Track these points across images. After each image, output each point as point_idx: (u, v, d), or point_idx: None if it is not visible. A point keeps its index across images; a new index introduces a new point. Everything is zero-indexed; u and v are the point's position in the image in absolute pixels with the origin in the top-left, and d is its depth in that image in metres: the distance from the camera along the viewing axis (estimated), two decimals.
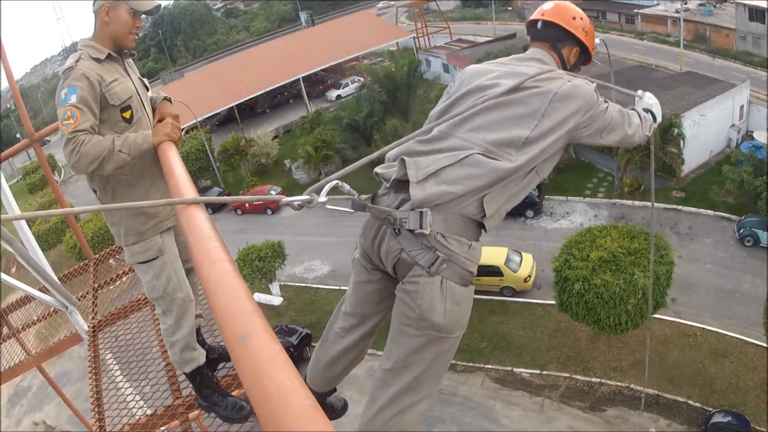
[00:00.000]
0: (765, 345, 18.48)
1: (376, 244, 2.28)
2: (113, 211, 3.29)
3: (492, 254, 22.69)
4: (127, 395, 4.92)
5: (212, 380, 3.73)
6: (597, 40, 2.72)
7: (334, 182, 1.92)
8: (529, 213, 27.89)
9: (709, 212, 25.96)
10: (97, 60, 2.94)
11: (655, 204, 26.26)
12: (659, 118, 2.84)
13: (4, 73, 5.57)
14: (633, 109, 2.68)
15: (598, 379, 19.50)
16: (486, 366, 21.01)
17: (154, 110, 3.24)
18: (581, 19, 2.62)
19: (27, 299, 7.09)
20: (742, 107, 30.14)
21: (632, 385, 18.94)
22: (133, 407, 4.77)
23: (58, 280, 5.25)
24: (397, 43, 50.55)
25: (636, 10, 49.24)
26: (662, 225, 25.06)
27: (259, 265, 24.32)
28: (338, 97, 47.63)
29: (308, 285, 27.22)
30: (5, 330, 7.04)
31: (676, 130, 25.48)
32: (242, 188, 37.83)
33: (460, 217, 2.15)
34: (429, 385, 2.26)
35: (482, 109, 2.26)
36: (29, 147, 5.81)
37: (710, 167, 28.73)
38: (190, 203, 1.84)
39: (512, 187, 2.23)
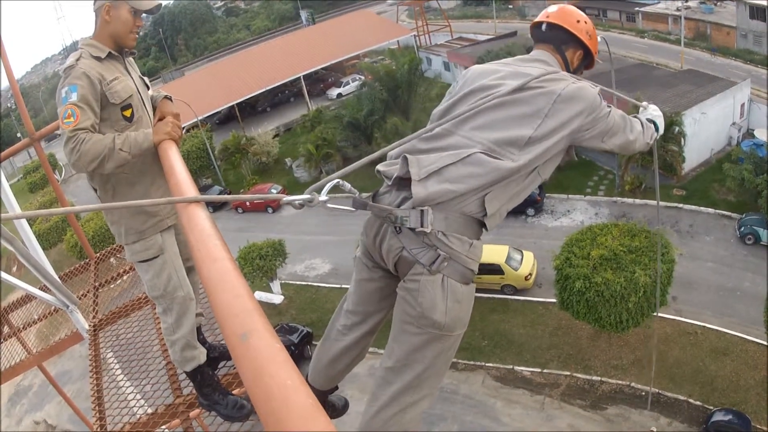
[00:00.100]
0: (766, 343, 18.45)
1: (378, 242, 2.28)
2: (113, 209, 3.29)
3: (493, 252, 22.68)
4: (128, 394, 4.92)
5: (213, 379, 3.74)
6: (598, 38, 2.74)
7: (335, 181, 1.92)
8: (530, 211, 27.87)
9: (710, 210, 25.94)
10: (98, 59, 2.94)
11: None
12: (661, 130, 2.87)
13: (5, 72, 5.57)
14: (636, 117, 2.70)
15: (599, 378, 19.49)
16: (487, 364, 21.01)
17: (154, 109, 3.24)
18: (585, 22, 2.65)
19: (28, 298, 7.10)
20: (743, 105, 30.10)
21: (633, 384, 18.93)
22: (134, 406, 4.77)
23: (58, 279, 5.25)
24: (397, 41, 50.49)
25: (637, 8, 49.22)
26: (663, 223, 25.04)
27: (259, 264, 24.33)
28: (339, 95, 47.58)
29: (309, 283, 27.22)
30: (6, 329, 7.05)
31: (677, 128, 25.44)
32: (243, 187, 37.82)
33: (462, 216, 2.15)
34: (430, 383, 2.27)
35: (486, 108, 2.27)
36: (30, 146, 5.81)
37: (711, 165, 28.70)
38: (191, 202, 1.84)
39: (513, 187, 2.24)
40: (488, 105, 2.26)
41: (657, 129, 2.83)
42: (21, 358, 6.39)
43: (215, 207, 33.73)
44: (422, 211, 2.09)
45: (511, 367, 20.76)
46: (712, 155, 29.30)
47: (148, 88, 3.34)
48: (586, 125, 2.31)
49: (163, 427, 4.26)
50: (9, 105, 70.02)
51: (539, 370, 20.38)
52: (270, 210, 34.72)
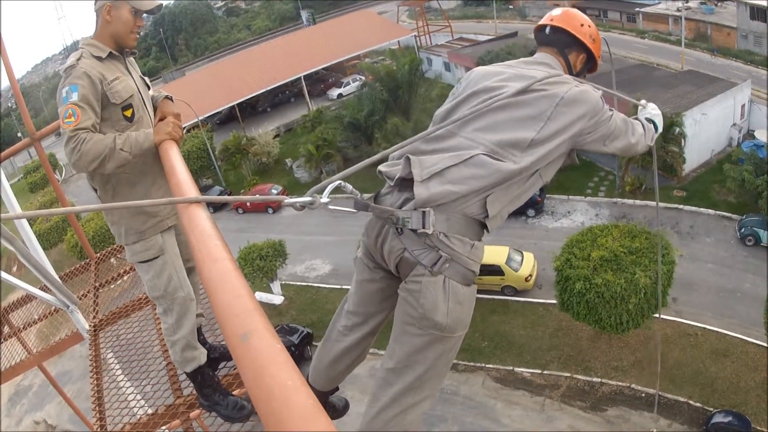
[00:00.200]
0: (766, 345, 18.45)
1: (379, 243, 2.29)
2: (114, 210, 3.29)
3: (493, 253, 22.68)
4: (128, 394, 4.92)
5: (213, 379, 3.74)
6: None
7: (337, 183, 1.92)
8: (531, 212, 27.88)
9: (710, 211, 25.94)
10: (99, 58, 2.94)
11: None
12: (660, 129, 2.88)
13: (5, 72, 5.57)
14: (636, 119, 2.71)
15: (599, 379, 19.49)
16: (487, 365, 21.00)
17: (155, 109, 3.24)
18: (589, 26, 2.67)
19: (28, 298, 7.10)
20: (743, 106, 30.11)
21: (633, 385, 18.92)
22: (134, 406, 4.77)
23: (59, 279, 5.25)
24: (398, 41, 50.51)
25: (637, 9, 49.25)
26: (663, 224, 25.03)
27: (260, 264, 24.33)
28: (339, 95, 47.57)
29: (309, 284, 27.22)
30: (6, 329, 7.05)
31: (678, 129, 25.44)
32: (243, 187, 37.84)
33: (463, 217, 2.16)
34: (431, 384, 2.27)
35: (489, 110, 2.28)
36: (30, 146, 5.81)
37: (711, 166, 28.70)
38: (192, 202, 1.84)
39: (515, 189, 2.24)
40: (491, 107, 2.27)
41: (656, 128, 2.84)
42: (21, 358, 6.39)
43: (216, 207, 33.75)
44: (424, 212, 2.09)
45: (511, 368, 20.76)
46: (713, 156, 29.30)
47: (149, 88, 3.34)
48: (588, 128, 2.32)
49: (164, 427, 4.25)
50: (9, 104, 70.08)
51: (539, 371, 20.37)
52: (270, 210, 34.73)
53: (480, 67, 2.62)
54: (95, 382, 4.97)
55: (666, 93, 29.22)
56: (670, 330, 20.04)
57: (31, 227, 6.04)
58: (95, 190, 3.22)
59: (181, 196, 2.00)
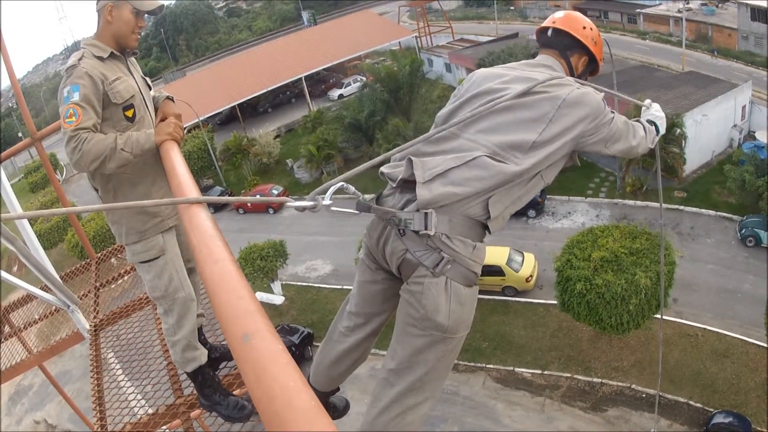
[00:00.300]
0: (766, 345, 18.44)
1: (381, 244, 2.29)
2: (115, 210, 3.29)
3: (494, 254, 22.67)
4: (129, 394, 4.92)
5: (214, 379, 3.74)
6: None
7: (339, 184, 1.92)
8: (531, 213, 27.87)
9: (711, 212, 25.92)
10: (100, 58, 2.94)
11: (658, 204, 26.27)
12: (662, 131, 2.88)
13: (6, 72, 5.57)
14: (638, 121, 2.72)
15: (600, 380, 19.48)
16: (487, 366, 21.00)
17: (156, 109, 3.24)
18: (591, 29, 2.68)
19: (28, 298, 7.10)
20: (744, 107, 30.10)
21: (633, 386, 18.93)
22: (135, 406, 4.77)
23: (59, 279, 5.26)
24: (399, 42, 50.52)
25: (638, 10, 49.24)
26: (664, 225, 24.98)
27: (260, 265, 24.34)
28: (340, 96, 47.55)
29: (310, 284, 27.23)
30: (7, 329, 7.06)
31: (678, 130, 25.44)
32: (244, 187, 37.85)
33: (465, 219, 2.16)
34: (433, 385, 2.27)
35: (491, 112, 2.29)
36: (31, 146, 5.81)
37: (712, 167, 28.69)
38: (193, 203, 1.84)
39: (517, 191, 2.25)
40: (493, 109, 2.28)
41: (658, 130, 2.83)
42: (21, 358, 6.40)
43: (216, 208, 33.78)
44: (426, 213, 2.09)
45: (511, 368, 20.76)
46: (713, 157, 29.29)
47: (150, 88, 3.35)
48: (590, 131, 2.32)
49: (164, 427, 4.26)
50: (10, 104, 70.15)
51: (540, 371, 20.37)
52: (271, 211, 34.75)
53: (482, 69, 2.63)
54: (96, 381, 4.97)
55: (667, 94, 29.22)
56: (671, 330, 20.04)
57: (32, 227, 6.04)
58: (96, 190, 3.22)
59: (182, 196, 2.00)
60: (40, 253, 5.62)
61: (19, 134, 60.45)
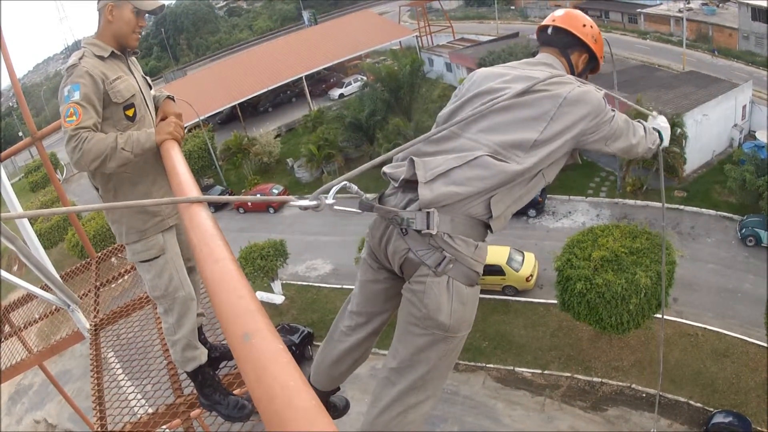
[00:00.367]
0: (766, 345, 18.44)
1: (383, 243, 2.30)
2: (115, 209, 3.29)
3: (494, 253, 22.64)
4: (129, 394, 4.92)
5: (214, 379, 3.73)
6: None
7: (342, 184, 1.92)
8: (532, 212, 27.86)
9: (711, 212, 25.92)
10: (101, 58, 2.94)
11: (658, 204, 26.27)
12: (666, 142, 2.89)
13: (7, 71, 5.57)
14: (639, 122, 2.72)
15: (600, 379, 19.48)
16: (488, 365, 21.00)
17: (157, 109, 3.24)
18: (591, 27, 2.69)
19: (29, 297, 7.10)
20: (744, 107, 30.09)
21: (634, 385, 18.93)
22: (135, 406, 4.77)
23: (59, 279, 5.26)
24: (399, 42, 50.47)
25: (639, 10, 49.22)
26: (665, 225, 25.00)
27: (261, 264, 24.34)
28: (341, 95, 47.53)
29: (310, 284, 27.24)
30: (7, 328, 7.06)
31: (679, 130, 25.42)
32: (245, 187, 37.85)
33: (467, 218, 2.17)
34: (434, 384, 2.28)
35: (492, 111, 2.29)
36: (31, 145, 5.82)
37: (712, 167, 28.69)
38: (194, 202, 1.84)
39: (518, 190, 2.25)
40: (494, 108, 2.28)
41: (662, 138, 2.84)
42: (22, 357, 6.40)
43: (216, 207, 33.78)
44: (428, 213, 2.10)
45: (511, 368, 20.76)
46: (714, 157, 29.29)
47: (151, 88, 3.35)
48: (591, 129, 2.32)
49: (164, 426, 4.26)
50: (11, 104, 70.17)
51: (540, 371, 20.37)
52: (271, 210, 34.75)
53: (483, 69, 2.63)
54: (96, 381, 4.97)
55: (667, 94, 29.23)
56: (671, 330, 20.04)
57: (32, 226, 6.04)
58: (97, 189, 3.22)
59: (183, 195, 2.00)
60: (41, 253, 5.63)
61: (20, 133, 60.45)
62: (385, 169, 2.34)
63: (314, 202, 1.79)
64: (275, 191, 35.43)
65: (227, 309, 1.33)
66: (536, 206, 27.72)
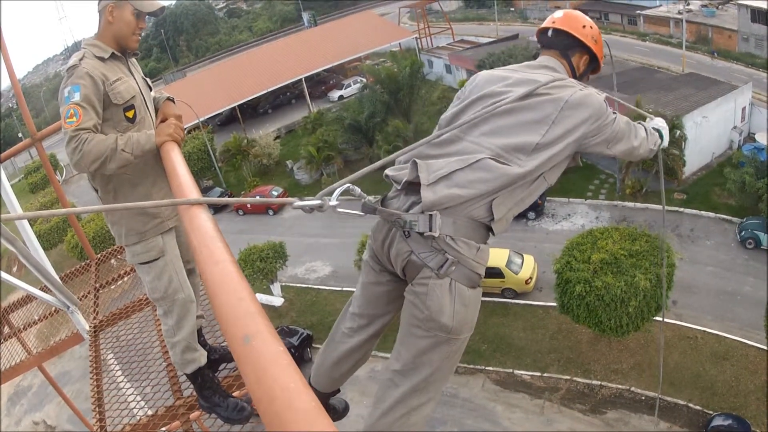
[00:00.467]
0: (766, 348, 18.41)
1: (386, 246, 2.31)
2: (115, 210, 3.29)
3: (493, 256, 22.50)
4: (128, 395, 4.91)
5: (213, 381, 3.73)
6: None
7: (345, 186, 1.93)
8: (531, 215, 27.87)
9: (711, 214, 25.92)
10: (101, 59, 2.94)
11: (657, 206, 26.28)
12: (665, 142, 2.89)
13: (6, 72, 5.57)
14: (640, 123, 2.73)
15: (599, 382, 19.47)
16: (487, 368, 20.99)
17: (157, 110, 3.24)
18: (591, 28, 2.69)
19: (28, 299, 7.10)
20: (744, 109, 30.10)
21: (633, 388, 18.92)
22: (134, 407, 4.77)
23: (59, 280, 5.25)
24: (399, 43, 50.53)
25: (638, 12, 49.29)
26: (664, 227, 25.01)
27: (260, 266, 24.33)
28: (340, 97, 47.59)
29: (309, 286, 27.22)
30: (6, 329, 7.05)
31: (678, 132, 25.44)
32: (244, 188, 37.85)
33: (469, 220, 2.18)
34: (436, 386, 2.29)
35: (494, 114, 2.30)
36: (31, 146, 5.81)
37: (712, 169, 28.71)
38: (194, 204, 1.84)
39: (520, 192, 2.27)
40: (496, 111, 2.29)
41: (662, 137, 2.84)
42: (21, 359, 6.38)
43: (216, 209, 33.78)
44: (431, 215, 2.11)
45: (511, 370, 20.75)
46: (713, 159, 29.30)
47: (151, 89, 3.35)
48: (592, 132, 2.33)
49: (163, 428, 4.25)
50: (10, 105, 70.18)
51: (539, 374, 20.36)
52: (271, 212, 34.76)
53: (484, 72, 2.64)
54: (95, 383, 4.96)
55: (667, 96, 29.25)
56: (670, 333, 20.04)
57: (32, 228, 6.03)
58: (96, 191, 3.22)
59: (183, 197, 2.00)
60: (40, 254, 5.62)
61: (20, 134, 60.40)
62: (388, 171, 2.35)
63: (317, 201, 1.79)
64: (275, 193, 35.43)
65: (227, 311, 1.33)
66: (536, 209, 27.73)
